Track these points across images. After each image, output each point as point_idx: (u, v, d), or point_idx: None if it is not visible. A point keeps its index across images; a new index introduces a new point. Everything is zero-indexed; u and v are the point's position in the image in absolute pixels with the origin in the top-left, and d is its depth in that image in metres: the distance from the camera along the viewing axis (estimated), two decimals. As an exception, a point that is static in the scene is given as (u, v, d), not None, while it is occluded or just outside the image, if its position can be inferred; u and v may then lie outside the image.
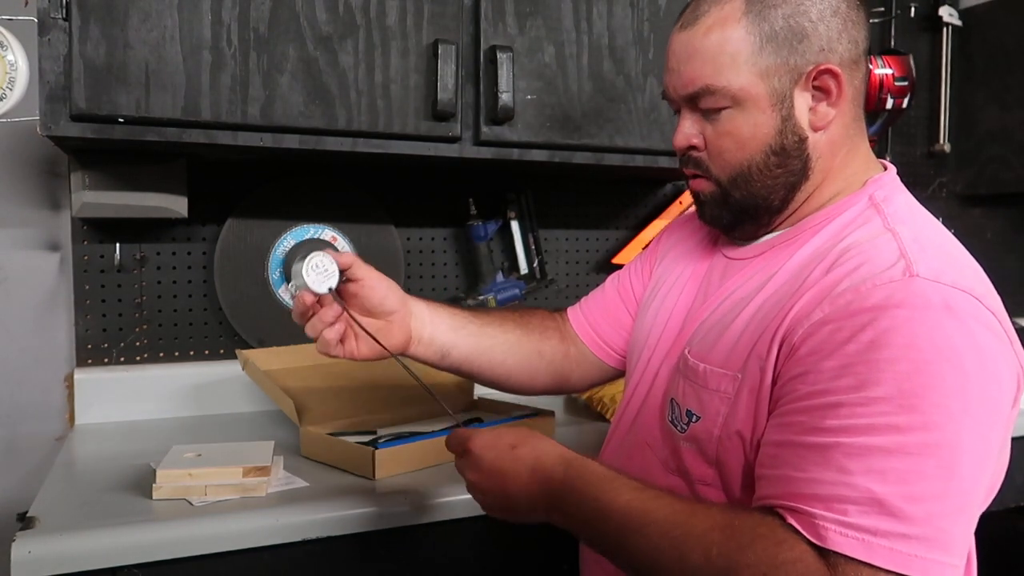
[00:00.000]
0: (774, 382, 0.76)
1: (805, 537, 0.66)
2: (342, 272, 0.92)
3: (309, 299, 0.91)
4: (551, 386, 1.14)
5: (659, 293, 1.01)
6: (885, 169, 0.89)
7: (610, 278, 1.17)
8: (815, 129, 0.83)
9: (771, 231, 0.90)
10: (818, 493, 0.67)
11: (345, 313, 0.93)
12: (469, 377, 1.09)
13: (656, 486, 0.77)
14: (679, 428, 0.86)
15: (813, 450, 0.69)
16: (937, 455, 0.65)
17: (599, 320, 1.13)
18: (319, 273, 0.89)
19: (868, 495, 0.65)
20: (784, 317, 0.76)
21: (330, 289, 0.90)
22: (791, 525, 0.67)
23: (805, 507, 0.67)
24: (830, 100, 0.83)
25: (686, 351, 0.87)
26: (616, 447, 0.99)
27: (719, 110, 0.83)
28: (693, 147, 0.87)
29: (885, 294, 0.70)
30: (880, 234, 0.77)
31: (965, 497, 0.66)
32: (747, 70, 0.81)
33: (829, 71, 0.81)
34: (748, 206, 0.87)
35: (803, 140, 0.83)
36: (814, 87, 0.82)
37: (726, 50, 0.81)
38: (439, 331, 1.03)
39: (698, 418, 0.83)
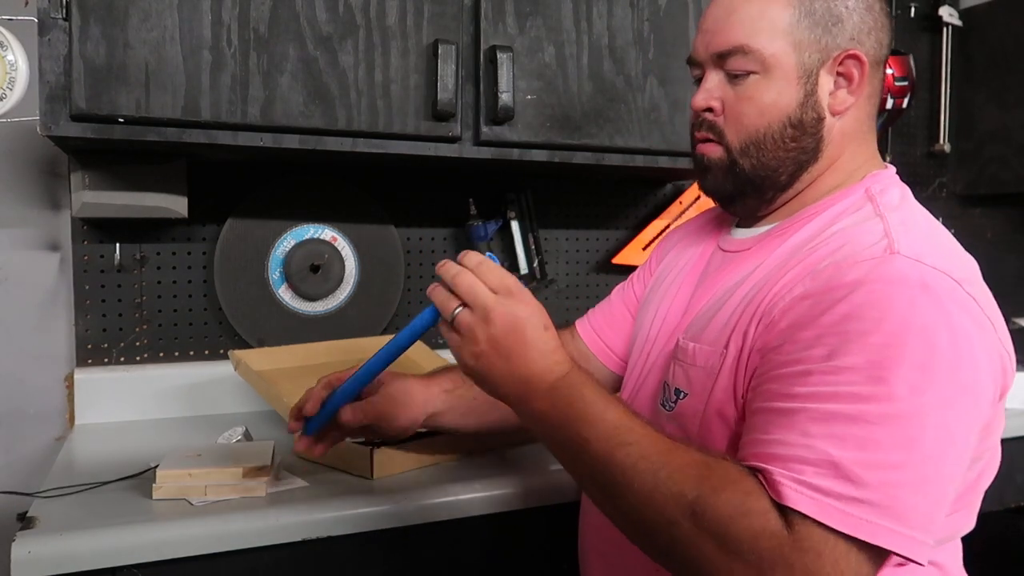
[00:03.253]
0: (750, 353, 0.78)
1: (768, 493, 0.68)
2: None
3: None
4: None
5: (659, 290, 1.02)
6: (886, 168, 0.90)
7: (616, 287, 1.18)
8: (833, 113, 0.86)
9: (768, 216, 0.91)
10: (779, 453, 0.68)
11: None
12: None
13: (646, 419, 0.76)
14: (667, 407, 0.87)
15: (781, 414, 0.70)
16: (898, 426, 0.66)
17: (604, 327, 1.14)
18: None
19: (826, 458, 0.66)
20: (768, 293, 0.78)
21: None
22: (758, 480, 0.69)
23: (766, 465, 0.68)
24: (851, 87, 0.85)
25: (680, 337, 0.89)
26: None
27: (746, 74, 0.85)
28: (710, 109, 0.88)
29: (864, 270, 0.72)
30: (868, 219, 0.79)
31: (927, 471, 0.66)
32: (782, 39, 0.83)
33: (856, 56, 0.84)
34: (754, 178, 0.87)
35: (821, 119, 0.85)
36: (838, 72, 0.85)
37: (766, 15, 0.84)
38: (448, 421, 1.09)
39: (685, 395, 0.85)
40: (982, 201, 2.36)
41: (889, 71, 1.91)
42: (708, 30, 0.88)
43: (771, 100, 0.84)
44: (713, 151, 0.89)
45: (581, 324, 1.17)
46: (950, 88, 2.24)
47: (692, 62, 0.91)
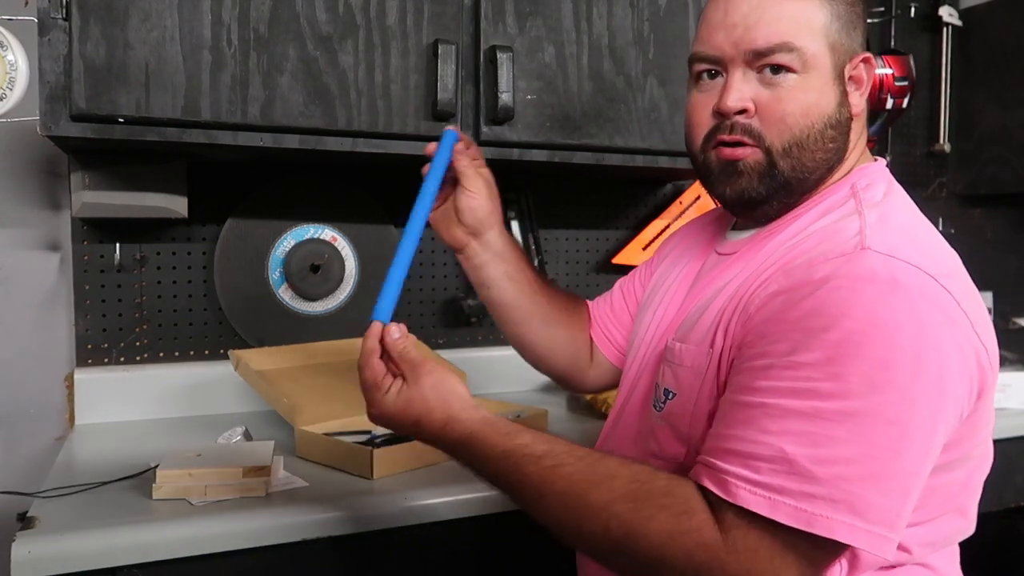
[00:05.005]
0: (730, 350, 0.79)
1: (711, 502, 0.70)
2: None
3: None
4: (565, 373, 1.16)
5: (657, 293, 1.03)
6: (876, 161, 0.90)
7: (619, 281, 1.18)
8: (853, 115, 0.85)
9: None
10: (736, 449, 0.70)
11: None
12: (496, 318, 1.13)
13: (562, 448, 0.78)
14: (657, 408, 0.88)
15: (742, 408, 0.72)
16: (852, 422, 0.67)
17: (605, 317, 1.16)
18: None
19: (780, 454, 0.67)
20: (747, 291, 0.79)
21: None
22: (703, 487, 0.71)
23: (720, 462, 0.71)
24: (861, 90, 0.85)
25: (670, 338, 0.89)
26: (604, 442, 1.00)
27: (783, 73, 0.81)
28: (744, 111, 0.82)
29: (834, 267, 0.72)
30: (848, 215, 0.79)
31: (881, 467, 0.67)
32: (821, 39, 0.82)
33: (868, 60, 0.85)
34: (791, 179, 0.83)
35: (851, 119, 0.85)
36: (850, 76, 0.84)
37: (804, 15, 0.82)
38: (494, 267, 1.07)
39: (674, 395, 0.85)
40: (982, 201, 2.36)
41: (889, 71, 1.91)
42: (737, 25, 0.82)
43: (813, 100, 0.81)
44: (750, 155, 0.83)
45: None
46: (950, 88, 2.24)
47: (707, 59, 0.85)
